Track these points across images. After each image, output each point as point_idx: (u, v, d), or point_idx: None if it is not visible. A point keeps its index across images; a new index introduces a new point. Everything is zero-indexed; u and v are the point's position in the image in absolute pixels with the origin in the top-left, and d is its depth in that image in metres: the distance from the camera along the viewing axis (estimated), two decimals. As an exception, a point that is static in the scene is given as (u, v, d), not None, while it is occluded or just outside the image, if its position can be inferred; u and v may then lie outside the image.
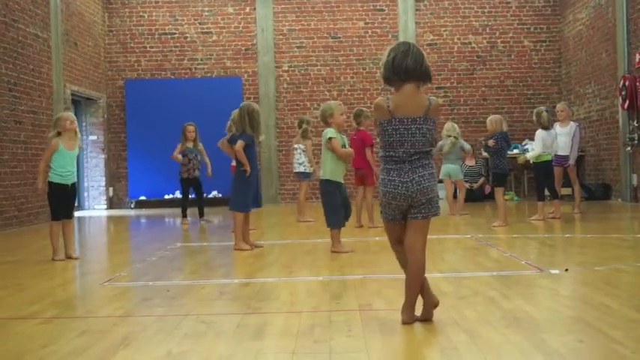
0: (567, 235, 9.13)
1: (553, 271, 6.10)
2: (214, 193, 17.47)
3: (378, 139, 4.48)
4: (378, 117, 4.37)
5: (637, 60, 13.94)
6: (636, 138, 14.12)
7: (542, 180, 11.39)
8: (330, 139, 7.88)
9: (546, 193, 11.62)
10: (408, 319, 4.33)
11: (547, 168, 11.29)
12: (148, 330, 4.38)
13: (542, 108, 11.69)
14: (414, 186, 4.28)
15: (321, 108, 8.20)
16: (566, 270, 6.10)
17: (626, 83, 14.04)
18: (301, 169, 12.44)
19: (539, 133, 11.15)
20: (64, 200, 8.13)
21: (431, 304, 4.43)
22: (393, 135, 4.30)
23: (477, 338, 3.93)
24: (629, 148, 14.41)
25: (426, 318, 4.39)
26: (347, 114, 8.37)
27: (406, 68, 4.30)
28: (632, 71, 14.16)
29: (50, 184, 8.07)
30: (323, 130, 8.14)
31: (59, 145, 8.00)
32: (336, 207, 7.90)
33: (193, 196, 12.88)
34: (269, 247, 8.84)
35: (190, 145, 12.56)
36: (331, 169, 7.92)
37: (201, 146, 12.63)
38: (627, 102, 14.02)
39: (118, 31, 18.33)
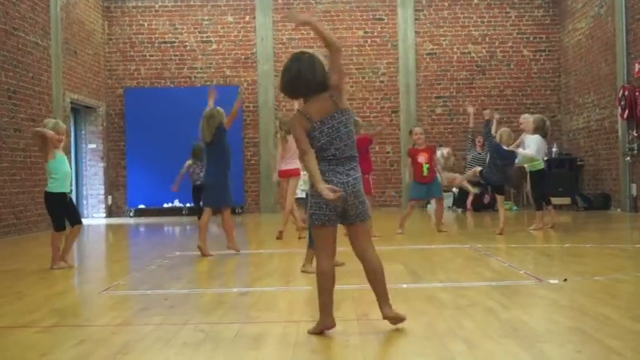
0: (566, 245, 9.12)
1: (552, 281, 6.09)
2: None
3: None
4: (303, 128, 4.40)
5: (636, 70, 13.96)
6: (636, 148, 14.13)
7: (538, 189, 11.43)
8: None
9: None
10: (389, 312, 4.44)
11: (541, 176, 11.35)
12: (147, 339, 4.37)
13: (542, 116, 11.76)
14: (350, 188, 4.36)
15: None
16: (565, 280, 6.09)
17: (626, 93, 14.07)
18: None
19: (537, 137, 11.18)
20: (64, 209, 8.09)
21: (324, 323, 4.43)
22: (320, 138, 4.37)
23: (475, 348, 3.93)
24: (628, 158, 14.42)
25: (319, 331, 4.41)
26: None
27: (302, 89, 4.44)
28: (632, 81, 14.18)
29: (49, 195, 7.99)
30: None
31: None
32: None
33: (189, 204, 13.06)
34: (267, 255, 8.85)
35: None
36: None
37: None
38: (627, 112, 14.04)
39: (118, 40, 18.35)
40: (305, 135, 4.39)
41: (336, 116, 4.38)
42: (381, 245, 8.74)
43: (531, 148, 11.20)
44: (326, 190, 4.19)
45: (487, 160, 11.18)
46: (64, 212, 8.07)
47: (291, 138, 11.01)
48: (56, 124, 8.20)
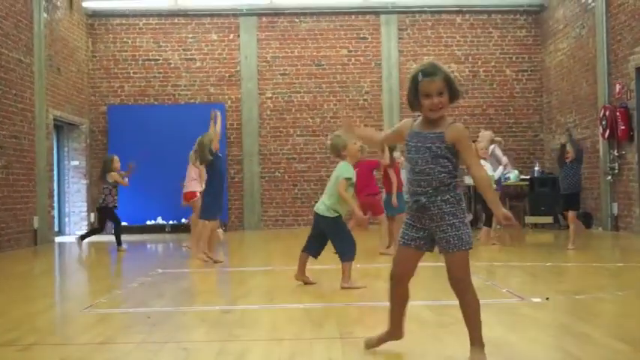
0: (548, 264, 9.16)
1: (534, 300, 6.11)
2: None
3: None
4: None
5: (617, 90, 14.09)
6: (617, 167, 14.24)
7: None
8: (346, 178, 7.24)
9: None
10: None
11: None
12: (128, 357, 4.35)
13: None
14: None
15: (331, 141, 7.48)
16: (547, 298, 6.11)
17: (607, 113, 14.17)
18: None
19: None
20: None
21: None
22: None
23: (458, 367, 3.93)
24: (609, 177, 14.51)
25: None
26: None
27: None
28: (613, 101, 14.31)
29: None
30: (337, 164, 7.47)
31: None
32: (352, 237, 7.38)
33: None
34: (250, 273, 8.82)
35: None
36: (344, 205, 7.37)
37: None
38: (608, 131, 14.14)
39: (102, 57, 18.33)
40: None
41: None
42: (364, 264, 8.75)
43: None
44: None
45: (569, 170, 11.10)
46: None
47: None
48: None
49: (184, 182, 12.08)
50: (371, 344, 4.34)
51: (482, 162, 11.85)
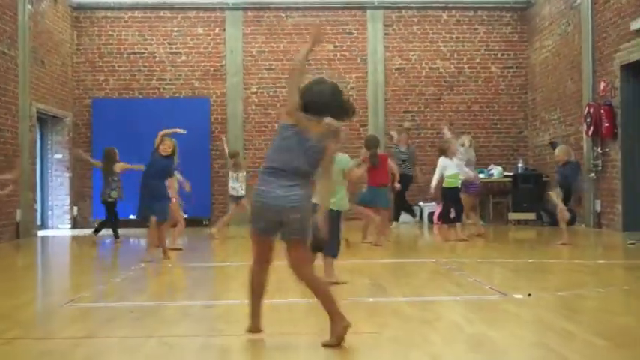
0: (531, 260, 9.20)
1: (516, 296, 6.14)
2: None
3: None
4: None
5: (601, 88, 14.14)
6: (600, 165, 14.30)
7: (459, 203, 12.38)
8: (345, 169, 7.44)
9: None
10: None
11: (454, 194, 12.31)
12: (111, 351, 4.34)
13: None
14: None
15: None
16: (529, 295, 6.14)
17: (591, 110, 14.23)
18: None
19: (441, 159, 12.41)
20: None
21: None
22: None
23: (440, 362, 3.94)
24: (592, 175, 14.57)
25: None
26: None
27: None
28: (597, 99, 14.36)
29: None
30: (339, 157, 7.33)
31: None
32: (340, 238, 7.46)
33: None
34: (234, 268, 8.81)
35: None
36: (344, 199, 7.49)
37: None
38: (592, 129, 14.20)
39: (87, 50, 18.23)
40: None
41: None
42: (347, 259, 8.76)
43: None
44: None
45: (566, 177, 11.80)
46: None
47: None
48: None
49: None
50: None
51: (451, 161, 12.04)
